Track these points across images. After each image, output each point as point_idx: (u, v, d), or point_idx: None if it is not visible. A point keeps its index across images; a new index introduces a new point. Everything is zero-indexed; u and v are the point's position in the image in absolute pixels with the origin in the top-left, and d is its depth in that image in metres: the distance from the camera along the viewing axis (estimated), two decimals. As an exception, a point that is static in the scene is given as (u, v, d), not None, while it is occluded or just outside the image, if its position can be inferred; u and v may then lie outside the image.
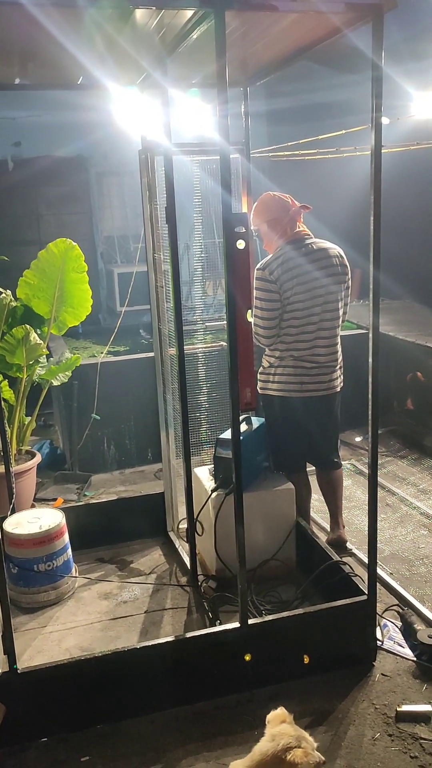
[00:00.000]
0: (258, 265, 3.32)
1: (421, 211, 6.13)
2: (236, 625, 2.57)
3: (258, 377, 3.48)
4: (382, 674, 2.71)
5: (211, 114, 4.17)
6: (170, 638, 2.57)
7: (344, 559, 3.53)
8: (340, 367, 3.48)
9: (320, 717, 2.51)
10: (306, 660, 2.67)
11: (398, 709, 2.47)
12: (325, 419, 3.49)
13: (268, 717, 2.02)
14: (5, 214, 6.34)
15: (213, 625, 2.93)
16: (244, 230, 2.20)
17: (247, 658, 2.56)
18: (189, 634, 2.60)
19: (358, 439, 5.16)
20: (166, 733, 2.49)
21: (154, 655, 2.51)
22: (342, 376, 3.50)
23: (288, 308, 3.27)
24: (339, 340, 3.44)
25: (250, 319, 2.21)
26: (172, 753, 2.40)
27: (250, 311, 2.22)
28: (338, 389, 3.47)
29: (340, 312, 3.39)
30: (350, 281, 3.44)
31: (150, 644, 2.52)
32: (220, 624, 2.89)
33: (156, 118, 3.19)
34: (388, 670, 2.73)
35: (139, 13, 2.29)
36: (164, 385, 3.67)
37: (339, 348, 3.44)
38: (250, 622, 2.58)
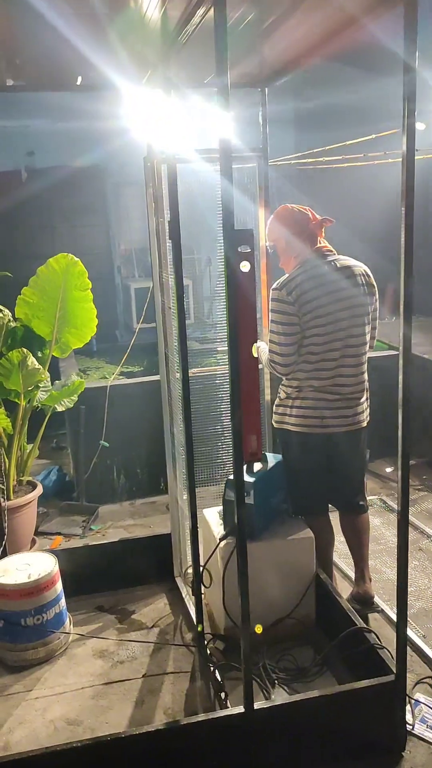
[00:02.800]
0: (274, 285, 2.96)
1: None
2: (240, 710, 2.19)
3: (274, 410, 3.12)
4: (413, 769, 2.31)
5: (232, 119, 3.86)
6: (161, 725, 2.20)
7: (371, 616, 3.17)
8: (367, 399, 3.09)
9: None
10: (321, 750, 2.28)
11: None
12: (349, 457, 3.10)
13: None
14: (18, 226, 6.08)
15: (218, 696, 2.57)
16: (249, 250, 1.84)
17: (252, 748, 2.19)
18: (184, 721, 2.23)
19: (388, 469, 4.74)
20: None
21: (143, 745, 2.15)
22: (369, 409, 3.11)
23: (308, 332, 2.90)
24: (365, 368, 3.05)
25: (256, 355, 1.86)
26: None
27: (255, 345, 1.87)
28: (365, 424, 3.08)
29: (367, 337, 3.01)
30: (377, 302, 3.06)
31: (137, 732, 2.16)
32: (226, 696, 2.53)
33: (163, 122, 2.88)
34: (420, 764, 2.32)
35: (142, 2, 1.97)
36: (171, 417, 3.32)
37: (365, 377, 3.06)
38: (257, 706, 2.20)
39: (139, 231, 6.48)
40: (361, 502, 3.21)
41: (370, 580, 3.22)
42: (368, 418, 3.10)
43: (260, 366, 2.88)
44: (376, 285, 3.02)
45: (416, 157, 2.00)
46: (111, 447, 4.50)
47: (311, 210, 3.01)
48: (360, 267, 3.00)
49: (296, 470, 3.08)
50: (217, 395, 3.63)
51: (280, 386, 3.10)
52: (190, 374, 2.74)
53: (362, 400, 3.05)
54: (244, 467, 3.02)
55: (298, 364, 2.96)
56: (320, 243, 2.99)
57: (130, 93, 3.17)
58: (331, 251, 3.00)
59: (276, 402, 3.11)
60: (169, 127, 2.67)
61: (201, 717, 2.23)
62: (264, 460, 3.02)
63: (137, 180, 6.32)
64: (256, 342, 1.89)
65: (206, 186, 3.06)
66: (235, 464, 1.99)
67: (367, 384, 3.07)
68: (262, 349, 3.06)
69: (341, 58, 4.95)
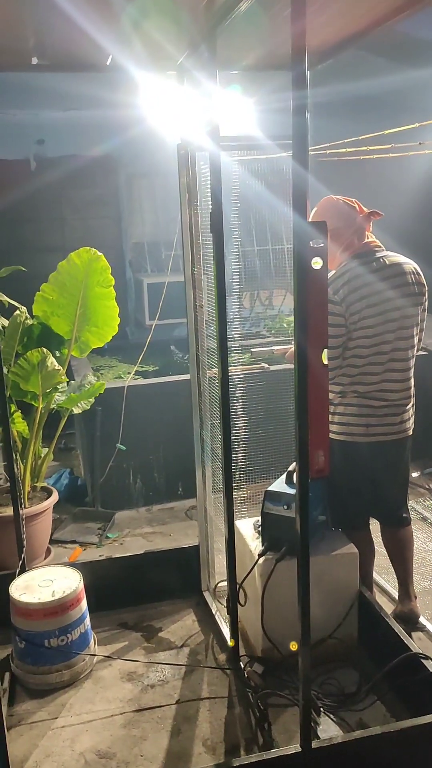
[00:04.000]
0: None
1: None
2: (297, 748, 2.00)
3: None
4: None
5: (254, 109, 3.65)
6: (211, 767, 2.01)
7: (414, 635, 2.99)
8: (413, 405, 2.90)
9: None
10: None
11: None
12: (393, 468, 2.92)
13: None
14: (27, 218, 5.83)
15: (261, 724, 2.39)
16: (322, 245, 1.64)
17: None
18: (236, 762, 2.03)
19: (414, 474, 4.56)
20: None
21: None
22: (414, 416, 2.92)
23: (354, 334, 2.71)
24: (412, 373, 2.86)
25: (326, 362, 1.67)
26: None
27: (326, 351, 1.68)
28: (410, 432, 2.89)
29: (415, 339, 2.82)
30: (426, 302, 2.87)
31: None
32: (269, 727, 2.35)
33: (196, 109, 2.67)
34: None
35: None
36: (201, 420, 3.13)
37: (412, 383, 2.87)
38: (314, 745, 2.01)
39: (151, 224, 6.25)
40: (404, 515, 3.03)
41: (416, 598, 3.04)
42: (413, 426, 2.92)
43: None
44: (426, 284, 2.83)
45: None
46: (127, 450, 4.30)
47: (358, 202, 2.82)
48: (410, 264, 2.81)
49: (338, 481, 2.88)
50: (258, 396, 3.45)
51: None
52: (212, 374, 2.59)
53: (408, 406, 2.86)
54: (284, 477, 2.86)
55: (342, 368, 2.77)
56: (368, 238, 2.79)
57: (156, 79, 2.97)
58: (380, 247, 2.81)
59: None
60: (206, 113, 2.47)
61: (254, 758, 2.04)
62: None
63: (151, 171, 6.10)
64: (326, 347, 1.69)
65: (222, 177, 2.88)
66: (300, 481, 1.80)
67: (413, 390, 2.88)
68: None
69: (372, 47, 4.73)
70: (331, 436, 2.82)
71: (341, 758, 2.05)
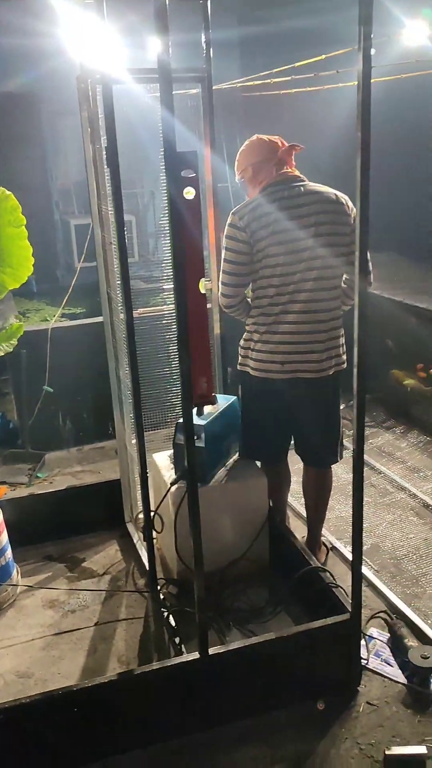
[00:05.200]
0: (232, 211, 2.73)
1: (407, 152, 5.58)
2: (195, 655, 2.15)
3: (239, 351, 2.90)
4: (368, 703, 2.32)
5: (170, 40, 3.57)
6: (114, 676, 2.14)
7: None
8: (342, 345, 2.81)
9: (294, 763, 2.12)
10: (278, 691, 2.27)
11: (387, 752, 2.09)
12: (312, 406, 2.85)
13: None
14: None
15: (172, 640, 2.53)
16: (193, 174, 1.68)
17: (208, 693, 2.16)
18: (138, 670, 2.18)
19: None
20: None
21: (96, 695, 2.08)
22: (345, 355, 2.82)
23: (263, 263, 2.64)
24: (335, 306, 2.75)
25: (204, 291, 1.72)
26: None
27: (203, 281, 1.73)
28: (332, 372, 2.77)
29: (341, 270, 2.71)
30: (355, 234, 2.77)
31: (90, 685, 2.09)
32: (181, 642, 2.49)
33: (103, 39, 2.60)
34: (375, 697, 2.34)
35: None
36: (116, 359, 3.18)
37: (339, 315, 2.78)
38: (212, 651, 2.16)
39: (78, 164, 6.11)
40: (325, 457, 2.97)
41: (323, 546, 3.14)
42: (344, 365, 2.82)
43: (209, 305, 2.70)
44: (353, 212, 2.65)
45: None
46: (56, 392, 4.34)
47: (281, 137, 2.80)
48: (332, 193, 2.69)
49: (254, 416, 2.92)
50: (164, 336, 3.48)
51: (245, 326, 2.87)
52: (135, 315, 2.58)
53: (331, 344, 2.74)
54: (195, 410, 2.95)
55: (258, 300, 2.74)
56: (287, 169, 2.73)
57: (73, 6, 2.87)
58: (299, 177, 2.72)
59: (240, 343, 2.88)
60: (105, 42, 2.43)
61: (155, 665, 2.18)
62: (215, 402, 2.91)
63: (75, 109, 5.90)
64: (204, 277, 1.74)
65: (145, 113, 2.83)
66: (184, 407, 1.88)
67: (339, 324, 2.78)
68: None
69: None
70: (249, 372, 2.83)
71: (238, 663, 2.21)
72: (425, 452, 4.13)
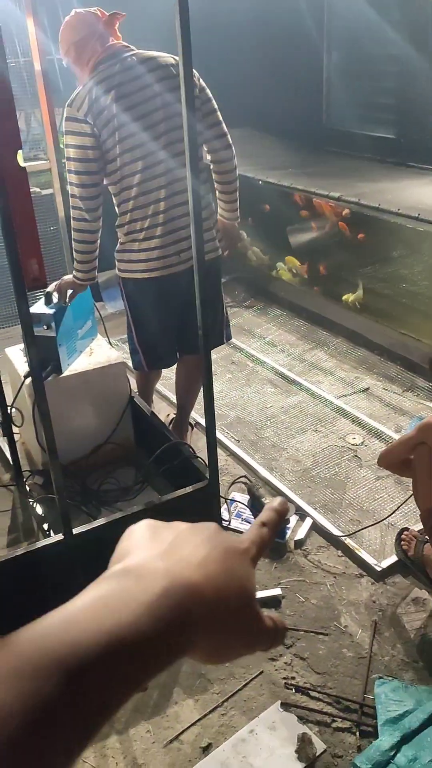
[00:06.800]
0: (66, 103, 2.50)
1: (254, 18, 5.36)
2: (60, 537, 2.20)
3: (115, 259, 2.73)
4: (231, 558, 2.49)
5: None
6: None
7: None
8: (214, 226, 2.71)
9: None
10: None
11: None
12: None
13: None
14: None
15: (41, 528, 2.57)
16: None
17: (76, 572, 2.22)
18: (2, 558, 2.19)
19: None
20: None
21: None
22: (216, 240, 2.72)
23: (119, 150, 2.44)
24: (203, 183, 2.59)
25: (24, 164, 1.61)
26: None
27: (20, 152, 1.61)
28: (213, 256, 2.64)
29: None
30: (212, 102, 2.55)
31: None
32: (50, 528, 2.53)
33: None
34: (237, 553, 2.52)
35: None
36: None
37: (209, 198, 2.66)
38: (76, 530, 2.21)
39: None
40: (215, 339, 2.90)
41: (191, 429, 3.20)
42: (218, 250, 2.75)
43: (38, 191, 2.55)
44: (199, 80, 2.48)
45: None
46: None
47: (99, 8, 2.56)
48: (168, 56, 2.50)
49: (142, 323, 2.79)
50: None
51: (117, 231, 2.69)
52: None
53: (207, 225, 2.59)
54: (43, 299, 2.85)
55: (122, 203, 2.56)
56: (113, 41, 2.53)
57: None
58: (128, 47, 2.52)
59: (116, 252, 2.72)
60: None
61: (21, 550, 2.21)
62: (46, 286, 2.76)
63: None
64: (20, 149, 1.62)
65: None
66: (17, 293, 1.79)
67: (207, 203, 2.61)
68: None
69: None
70: (124, 275, 2.71)
71: (104, 540, 2.27)
72: (282, 327, 4.27)
